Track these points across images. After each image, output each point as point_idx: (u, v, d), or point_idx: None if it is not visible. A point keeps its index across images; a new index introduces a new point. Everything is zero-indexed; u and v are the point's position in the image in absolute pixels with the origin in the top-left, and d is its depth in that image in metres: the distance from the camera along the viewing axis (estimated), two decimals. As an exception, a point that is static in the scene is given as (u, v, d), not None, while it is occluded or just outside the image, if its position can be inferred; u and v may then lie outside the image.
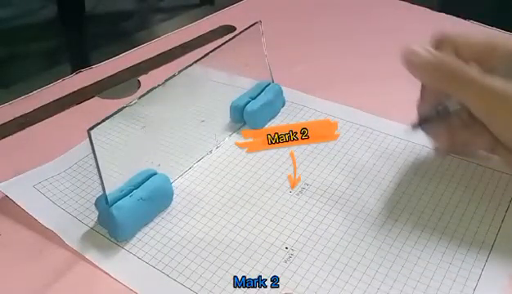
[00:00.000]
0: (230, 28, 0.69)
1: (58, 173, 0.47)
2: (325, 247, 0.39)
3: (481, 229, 0.40)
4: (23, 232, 0.42)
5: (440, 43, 0.42)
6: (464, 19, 0.69)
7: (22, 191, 0.44)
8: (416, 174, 0.45)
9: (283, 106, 0.54)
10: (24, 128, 0.53)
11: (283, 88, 0.54)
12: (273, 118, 0.53)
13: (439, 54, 0.40)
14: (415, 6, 0.74)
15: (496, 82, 0.38)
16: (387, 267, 0.38)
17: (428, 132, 0.44)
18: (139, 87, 0.59)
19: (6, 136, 0.52)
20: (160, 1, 2.48)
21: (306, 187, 0.45)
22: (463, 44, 0.41)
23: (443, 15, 0.71)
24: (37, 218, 0.42)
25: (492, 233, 0.40)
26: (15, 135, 0.52)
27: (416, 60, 0.40)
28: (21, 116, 0.54)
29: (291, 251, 0.39)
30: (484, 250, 0.39)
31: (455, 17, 0.70)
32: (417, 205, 0.42)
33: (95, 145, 0.37)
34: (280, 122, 0.52)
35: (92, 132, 0.37)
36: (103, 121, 0.38)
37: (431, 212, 0.42)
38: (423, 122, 0.43)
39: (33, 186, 0.45)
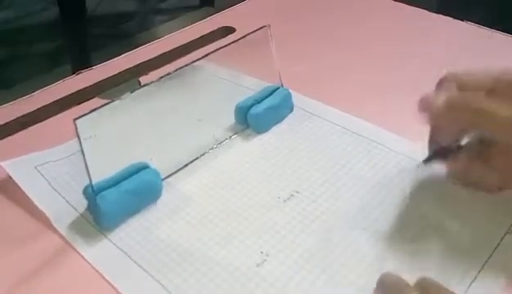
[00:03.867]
0: (229, 30, 0.70)
1: (61, 158, 0.48)
2: (301, 257, 0.39)
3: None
4: (17, 214, 0.43)
5: (445, 82, 0.41)
6: (462, 20, 0.69)
7: (23, 171, 0.46)
8: (412, 194, 0.44)
9: (291, 112, 0.54)
10: (25, 128, 0.53)
11: (292, 93, 0.54)
12: (279, 122, 0.53)
13: (460, 95, 0.40)
14: (413, 7, 0.75)
15: None
16: (359, 285, 0.37)
17: (441, 163, 0.44)
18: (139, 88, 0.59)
19: (8, 136, 0.52)
20: (161, 2, 2.48)
21: (295, 194, 0.45)
22: (467, 81, 0.41)
23: (441, 16, 0.72)
24: (32, 199, 0.43)
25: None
26: (17, 135, 0.52)
27: (437, 107, 0.40)
28: (22, 116, 0.55)
29: (265, 257, 0.39)
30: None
31: (452, 19, 0.70)
32: (406, 223, 0.42)
33: (85, 136, 0.38)
34: (285, 128, 0.52)
35: (77, 122, 0.38)
36: (90, 112, 0.39)
37: (420, 231, 0.41)
38: (435, 157, 0.44)
39: (35, 167, 0.46)
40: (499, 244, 0.40)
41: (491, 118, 0.39)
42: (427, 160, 0.45)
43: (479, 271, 0.38)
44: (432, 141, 0.44)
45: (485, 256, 0.39)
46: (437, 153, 0.44)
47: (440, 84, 0.42)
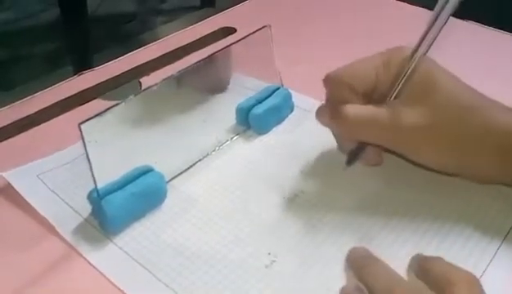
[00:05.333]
0: (230, 30, 0.70)
1: (62, 164, 0.48)
2: (310, 257, 0.39)
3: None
4: (22, 221, 0.43)
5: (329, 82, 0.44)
6: (462, 19, 0.69)
7: (25, 180, 0.45)
8: (417, 191, 0.44)
9: (291, 112, 0.54)
10: (26, 130, 0.53)
11: (293, 93, 0.54)
12: (280, 123, 0.53)
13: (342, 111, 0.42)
14: (414, 6, 0.75)
15: (381, 117, 0.41)
16: None
17: (361, 158, 0.45)
18: (141, 89, 0.59)
19: (9, 138, 0.52)
20: (162, 3, 2.48)
21: (300, 194, 0.45)
22: (354, 82, 0.43)
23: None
24: (35, 207, 0.43)
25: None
26: (18, 137, 0.52)
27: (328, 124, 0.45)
28: (24, 118, 0.55)
29: (273, 258, 0.39)
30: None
31: (453, 17, 0.70)
32: (414, 219, 0.42)
33: (89, 140, 0.38)
34: (286, 128, 0.52)
35: (82, 126, 0.38)
36: (95, 116, 0.39)
37: (425, 228, 0.41)
38: (353, 157, 0.44)
39: (37, 176, 0.46)
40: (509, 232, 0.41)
41: (372, 132, 0.42)
42: (349, 162, 0.45)
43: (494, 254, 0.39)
44: (343, 145, 0.46)
45: (496, 244, 0.40)
46: (354, 152, 0.44)
47: (325, 83, 0.44)
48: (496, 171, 0.42)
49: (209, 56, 0.48)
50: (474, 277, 0.33)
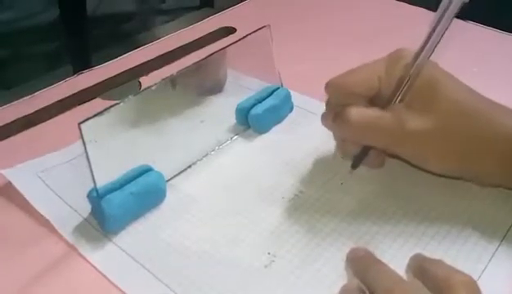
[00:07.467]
0: (230, 30, 0.70)
1: (62, 163, 0.48)
2: (308, 257, 0.39)
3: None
4: (21, 220, 0.43)
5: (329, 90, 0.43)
6: (463, 19, 0.69)
7: (25, 178, 0.45)
8: (414, 190, 0.45)
9: (291, 111, 0.54)
10: (26, 129, 0.53)
11: (292, 93, 0.54)
12: (279, 123, 0.53)
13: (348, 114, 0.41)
14: (414, 6, 0.75)
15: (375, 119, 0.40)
16: None
17: (364, 162, 0.45)
18: (140, 89, 0.59)
19: (9, 137, 0.52)
20: (161, 3, 2.48)
21: (299, 194, 0.45)
22: (358, 90, 0.42)
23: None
24: (35, 206, 0.43)
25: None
26: (18, 136, 0.52)
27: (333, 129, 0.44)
28: (24, 117, 0.55)
29: (272, 258, 0.39)
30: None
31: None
32: (413, 219, 0.42)
33: (88, 139, 0.38)
34: (286, 127, 0.52)
35: (82, 126, 0.38)
36: (95, 116, 0.39)
37: (424, 229, 0.41)
38: (358, 160, 0.44)
39: (37, 174, 0.46)
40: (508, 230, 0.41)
41: (375, 136, 0.41)
42: (354, 166, 0.44)
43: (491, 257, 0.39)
44: (346, 150, 0.45)
45: (495, 244, 0.40)
46: (359, 156, 0.44)
47: (327, 90, 0.43)
48: (498, 177, 0.42)
49: (209, 56, 0.48)
50: (473, 279, 0.33)
